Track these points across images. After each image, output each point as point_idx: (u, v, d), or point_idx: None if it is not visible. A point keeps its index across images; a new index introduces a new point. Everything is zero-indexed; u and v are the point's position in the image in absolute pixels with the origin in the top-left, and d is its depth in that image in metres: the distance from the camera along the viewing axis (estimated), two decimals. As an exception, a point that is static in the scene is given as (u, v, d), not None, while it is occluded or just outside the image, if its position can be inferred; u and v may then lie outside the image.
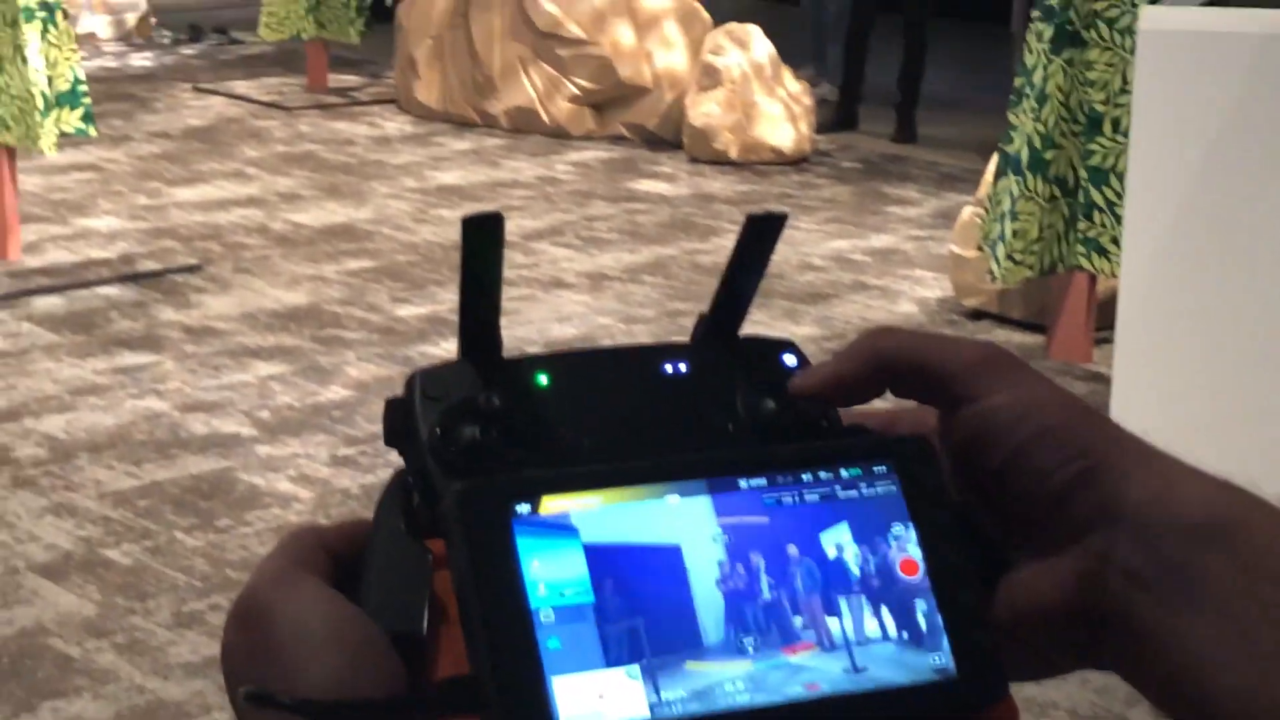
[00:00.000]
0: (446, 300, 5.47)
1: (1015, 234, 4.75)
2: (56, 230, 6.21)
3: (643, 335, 5.17)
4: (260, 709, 0.54)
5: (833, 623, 0.57)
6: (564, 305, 5.46)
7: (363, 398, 4.56)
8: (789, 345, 0.65)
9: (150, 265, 5.81)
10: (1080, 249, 4.79)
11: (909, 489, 0.59)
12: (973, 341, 0.61)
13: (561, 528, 0.56)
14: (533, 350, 4.94)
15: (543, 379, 0.62)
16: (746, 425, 0.62)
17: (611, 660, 0.54)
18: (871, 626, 0.57)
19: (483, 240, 0.60)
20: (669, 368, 0.64)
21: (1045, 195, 4.75)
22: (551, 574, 0.55)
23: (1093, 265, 4.79)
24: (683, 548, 0.56)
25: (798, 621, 0.56)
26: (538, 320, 5.31)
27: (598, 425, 0.61)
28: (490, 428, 0.59)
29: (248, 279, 5.69)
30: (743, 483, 0.58)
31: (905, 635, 0.57)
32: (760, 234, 0.63)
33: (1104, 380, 4.20)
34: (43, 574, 3.53)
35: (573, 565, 0.55)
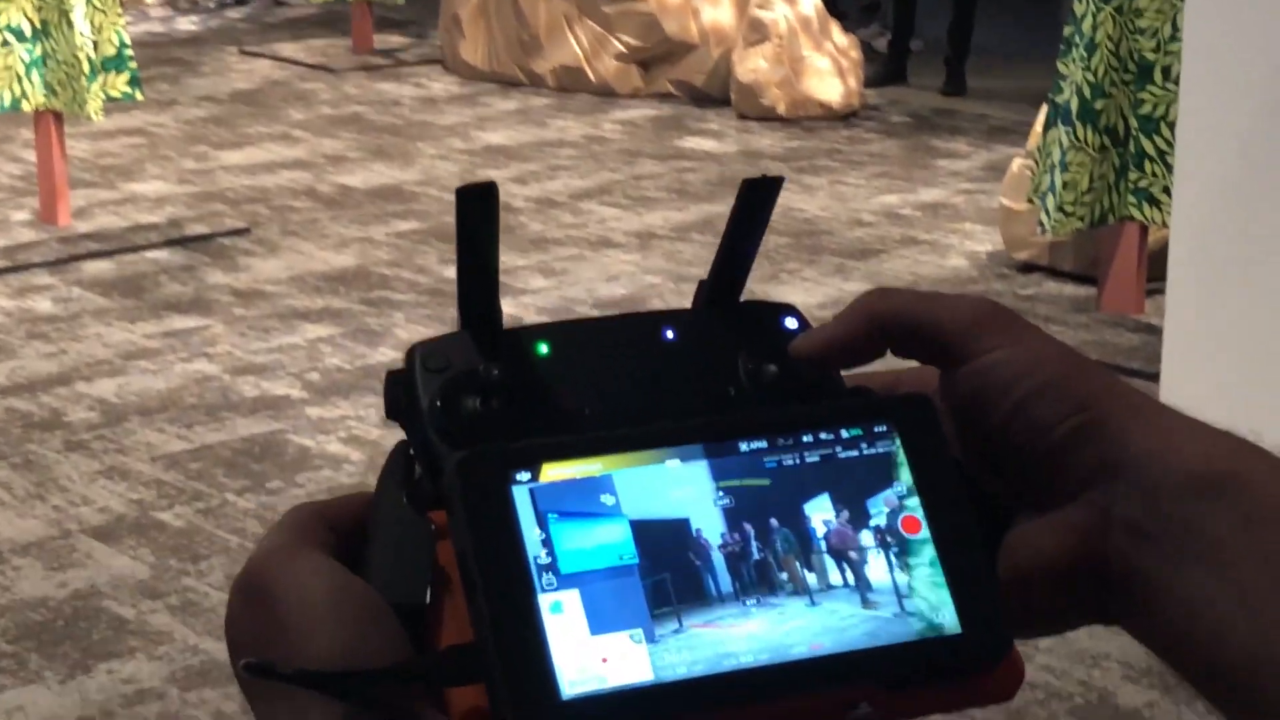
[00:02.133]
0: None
1: (1065, 185, 4.70)
2: (105, 195, 6.25)
3: (692, 293, 5.15)
4: (261, 680, 0.53)
5: (836, 582, 0.56)
6: (612, 265, 5.45)
7: (411, 359, 4.57)
8: (790, 309, 0.65)
9: (198, 229, 5.83)
10: (1131, 199, 4.75)
11: (910, 447, 0.59)
12: (970, 298, 0.61)
13: (562, 495, 0.55)
14: (582, 311, 4.93)
15: (543, 348, 0.62)
16: (748, 390, 0.62)
17: (614, 625, 0.54)
18: (874, 585, 0.57)
19: (478, 211, 0.59)
20: (670, 334, 0.63)
21: (1095, 145, 4.70)
22: (552, 538, 0.54)
23: (1144, 215, 4.74)
24: (685, 512, 0.56)
25: (800, 580, 0.56)
26: (585, 280, 5.31)
27: (599, 393, 0.61)
28: (491, 398, 0.59)
29: (296, 242, 5.71)
30: (743, 445, 0.57)
31: (908, 594, 0.57)
32: (758, 197, 0.63)
33: (1155, 331, 4.17)
34: (96, 536, 3.56)
35: (573, 532, 0.55)
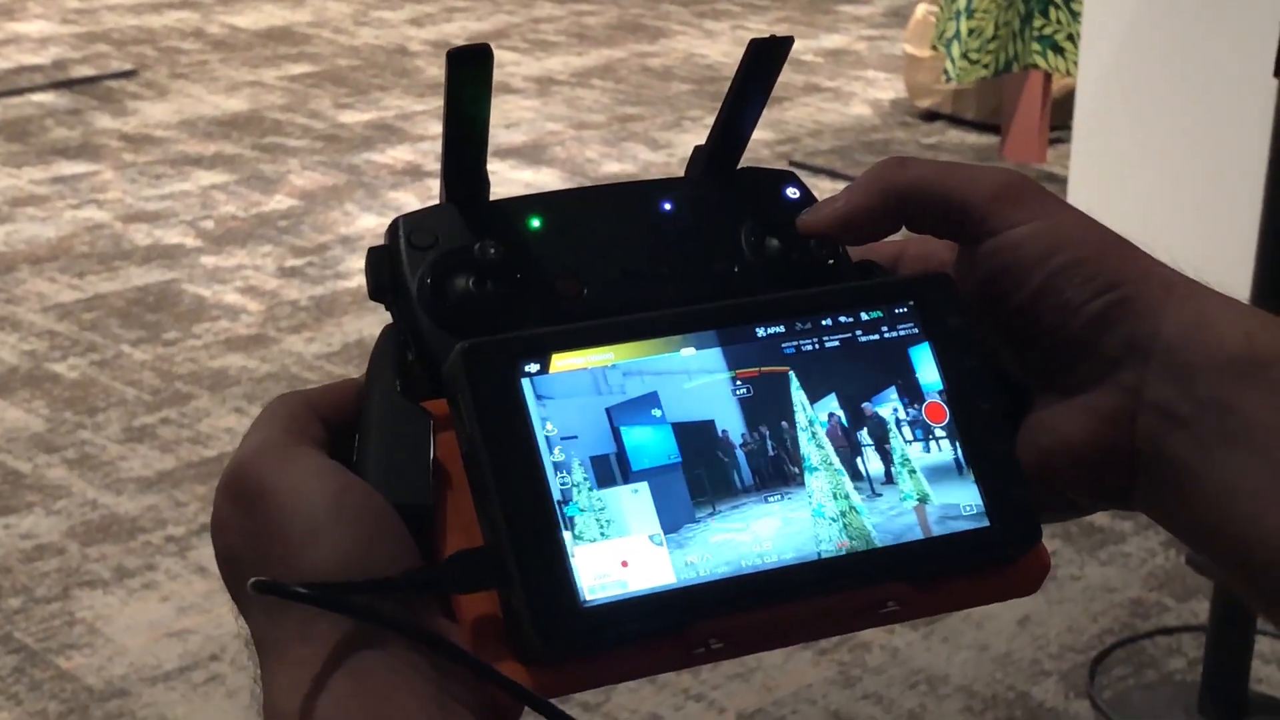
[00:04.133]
0: (391, 106, 5.36)
1: (971, 32, 4.67)
2: (-15, 36, 6.03)
3: (593, 141, 5.09)
4: (268, 597, 0.49)
5: (860, 475, 0.54)
6: (512, 111, 5.36)
7: (309, 207, 4.48)
8: (790, 177, 0.61)
9: (84, 71, 5.65)
10: (1035, 47, 4.72)
11: (932, 331, 0.56)
12: (994, 169, 0.57)
13: (574, 387, 0.52)
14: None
15: (535, 222, 0.57)
16: (753, 266, 0.58)
17: (634, 526, 0.51)
18: (899, 477, 0.54)
19: (470, 75, 0.55)
20: (667, 206, 0.59)
21: (1001, -8, 4.66)
22: (566, 435, 0.51)
23: (1048, 63, 4.73)
24: (702, 401, 0.53)
25: (825, 475, 0.53)
26: (485, 125, 5.21)
27: (597, 271, 0.57)
28: (485, 278, 0.55)
29: (185, 85, 5.55)
30: (760, 331, 0.54)
31: (933, 484, 0.54)
32: (763, 59, 0.58)
33: (1058, 180, 4.17)
34: (-12, 389, 3.48)
35: (588, 427, 0.51)
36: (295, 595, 0.49)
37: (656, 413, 0.52)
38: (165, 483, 3.07)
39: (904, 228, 0.58)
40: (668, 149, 4.96)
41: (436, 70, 5.71)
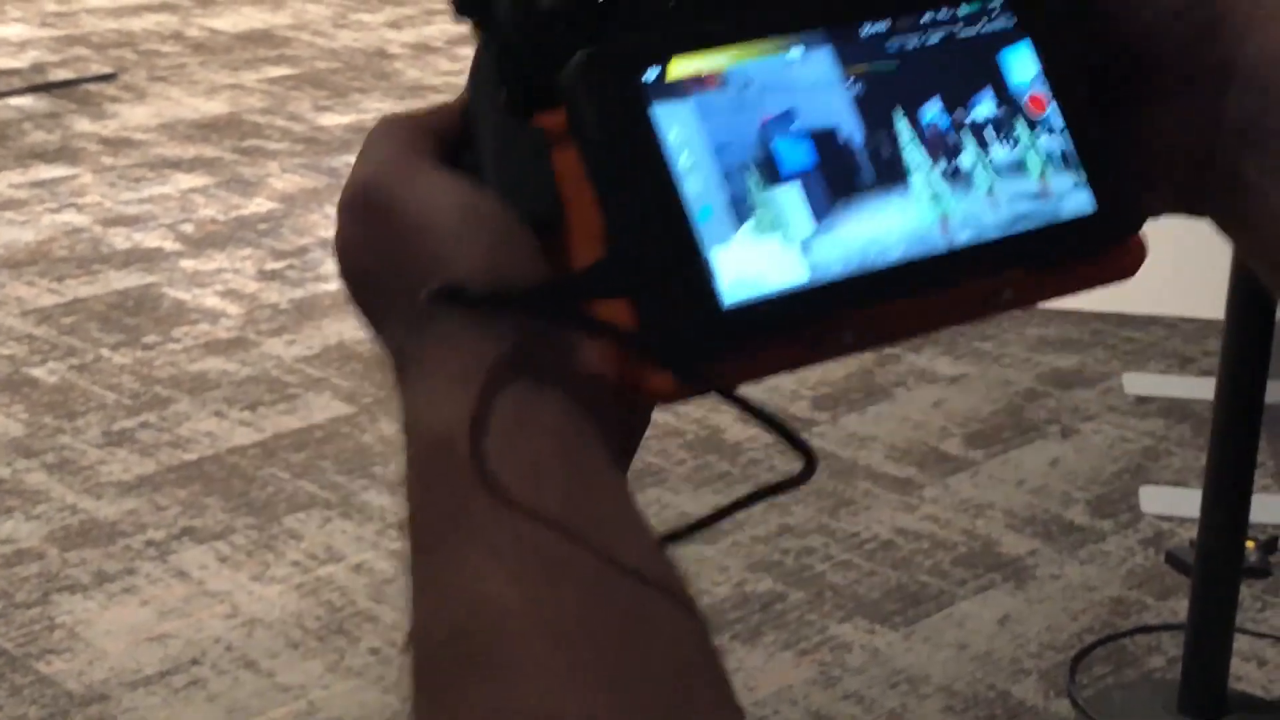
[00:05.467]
0: (370, 109, 5.35)
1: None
2: (-37, 39, 6.01)
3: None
4: (445, 306, 0.49)
5: (971, 167, 0.54)
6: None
7: (288, 210, 4.48)
8: None
9: (63, 74, 5.64)
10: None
11: (1030, 23, 0.56)
12: None
13: (697, 90, 0.51)
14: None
15: None
16: None
17: (767, 228, 0.51)
18: (1007, 167, 0.55)
19: None
20: None
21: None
22: (693, 140, 0.51)
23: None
24: (819, 99, 0.53)
25: (937, 171, 0.54)
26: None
27: None
28: None
29: (164, 88, 5.54)
30: (865, 29, 0.54)
31: (1041, 173, 0.55)
32: None
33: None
34: (-33, 394, 3.47)
35: (716, 128, 0.51)
36: (474, 300, 0.49)
37: (791, 120, 0.52)
38: (145, 487, 3.06)
39: None
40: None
41: (416, 72, 5.70)
